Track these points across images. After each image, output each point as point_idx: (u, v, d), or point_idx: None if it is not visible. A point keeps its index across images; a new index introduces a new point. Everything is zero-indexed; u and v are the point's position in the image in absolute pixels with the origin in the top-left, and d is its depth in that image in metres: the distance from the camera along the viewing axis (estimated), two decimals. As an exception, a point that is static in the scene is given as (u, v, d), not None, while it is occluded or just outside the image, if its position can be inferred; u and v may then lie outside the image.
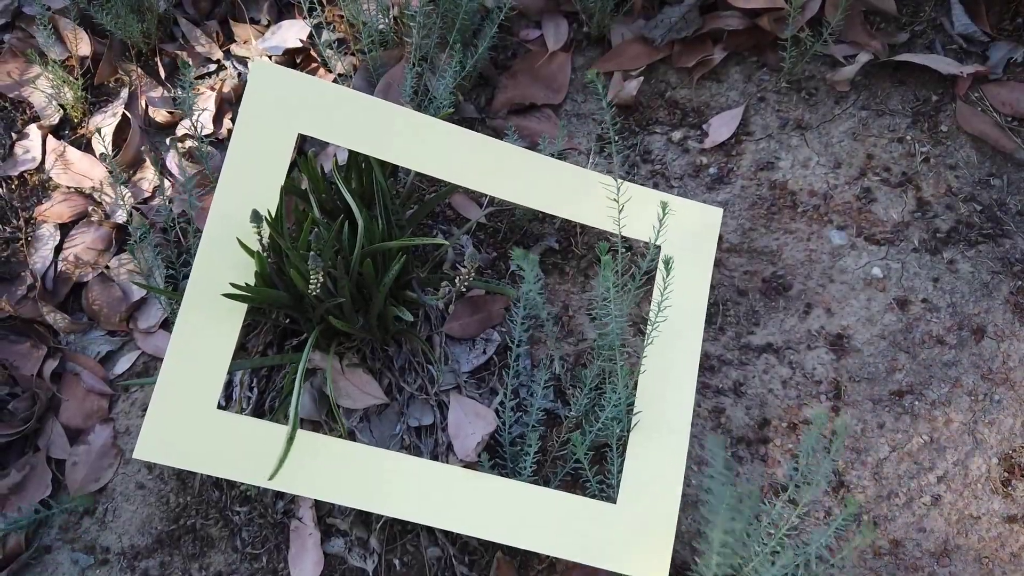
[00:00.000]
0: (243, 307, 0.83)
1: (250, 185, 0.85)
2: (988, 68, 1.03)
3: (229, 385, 0.94)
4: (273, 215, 0.83)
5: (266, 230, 0.82)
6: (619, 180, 0.83)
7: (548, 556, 0.87)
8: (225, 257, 0.83)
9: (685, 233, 0.92)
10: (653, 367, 0.86)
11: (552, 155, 0.96)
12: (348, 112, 0.87)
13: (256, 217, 0.77)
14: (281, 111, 0.86)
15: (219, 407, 0.89)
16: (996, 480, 0.86)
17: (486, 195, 1.03)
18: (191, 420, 0.79)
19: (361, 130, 0.87)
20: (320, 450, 0.80)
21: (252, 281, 0.83)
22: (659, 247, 0.91)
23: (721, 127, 1.06)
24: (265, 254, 0.82)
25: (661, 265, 0.73)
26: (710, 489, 0.66)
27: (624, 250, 0.98)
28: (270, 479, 0.78)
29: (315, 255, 0.74)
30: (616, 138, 1.06)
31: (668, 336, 0.87)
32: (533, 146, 1.03)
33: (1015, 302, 0.93)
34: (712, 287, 0.97)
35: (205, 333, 0.81)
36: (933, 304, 0.94)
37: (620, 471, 0.82)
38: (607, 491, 0.85)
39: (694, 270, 0.91)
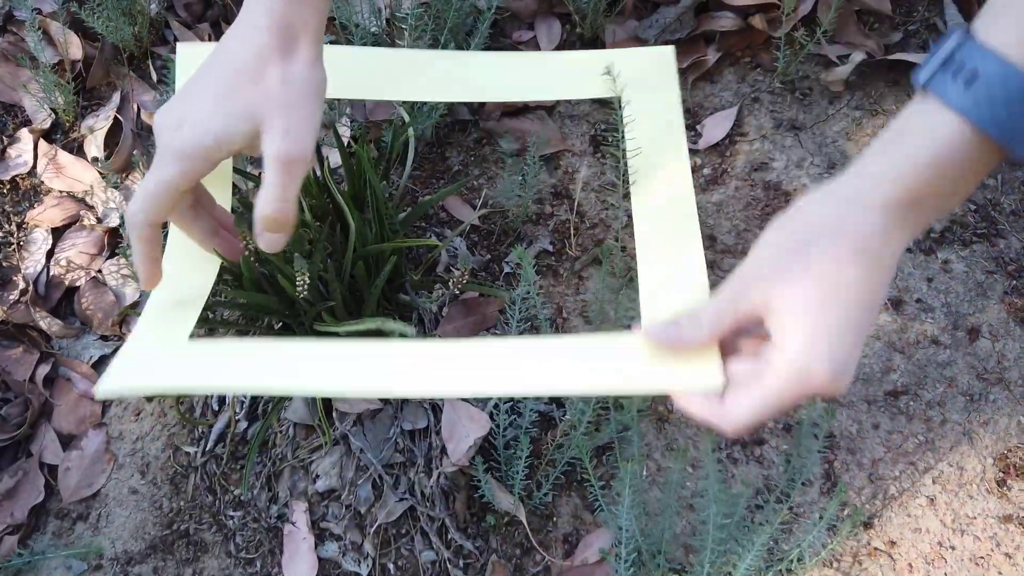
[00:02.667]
0: (217, 263, 0.75)
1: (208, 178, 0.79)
2: (982, 67, 1.03)
3: (222, 389, 0.94)
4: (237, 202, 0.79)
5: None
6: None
7: (544, 558, 0.86)
8: (191, 261, 0.76)
9: (641, 77, 0.82)
10: (641, 200, 0.74)
11: (543, 155, 0.96)
12: None
13: (240, 220, 0.75)
14: None
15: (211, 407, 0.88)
16: (991, 480, 0.86)
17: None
18: (163, 352, 0.65)
19: None
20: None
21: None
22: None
23: (715, 128, 1.05)
24: (252, 259, 0.81)
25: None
26: (705, 491, 0.66)
27: (620, 250, 0.98)
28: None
29: (299, 256, 0.73)
30: (609, 138, 1.06)
31: (652, 177, 0.76)
32: (524, 148, 1.03)
33: (1010, 302, 0.93)
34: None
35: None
36: (927, 304, 0.94)
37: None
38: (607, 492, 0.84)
39: (662, 110, 0.80)
